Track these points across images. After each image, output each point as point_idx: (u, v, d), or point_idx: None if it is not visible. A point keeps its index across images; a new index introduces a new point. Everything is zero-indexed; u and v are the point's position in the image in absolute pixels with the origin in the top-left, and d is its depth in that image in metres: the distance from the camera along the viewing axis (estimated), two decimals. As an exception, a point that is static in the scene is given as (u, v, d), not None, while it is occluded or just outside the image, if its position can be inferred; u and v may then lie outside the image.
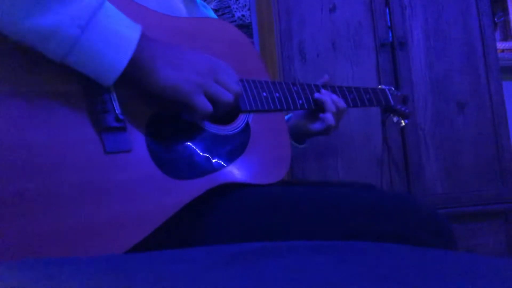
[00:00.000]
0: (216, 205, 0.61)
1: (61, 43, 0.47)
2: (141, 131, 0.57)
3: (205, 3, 0.95)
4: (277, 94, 0.77)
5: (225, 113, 0.66)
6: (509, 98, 1.76)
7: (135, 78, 0.55)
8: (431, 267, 0.27)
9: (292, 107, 0.80)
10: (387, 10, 1.58)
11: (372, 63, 1.55)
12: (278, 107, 0.77)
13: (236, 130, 0.69)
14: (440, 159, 1.55)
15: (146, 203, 0.53)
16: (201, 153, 0.62)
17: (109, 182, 0.51)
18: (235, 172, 0.64)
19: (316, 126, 0.88)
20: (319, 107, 0.86)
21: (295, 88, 0.82)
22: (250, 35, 1.86)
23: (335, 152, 1.49)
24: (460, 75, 1.60)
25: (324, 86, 0.88)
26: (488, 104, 1.60)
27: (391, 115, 1.06)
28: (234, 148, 0.67)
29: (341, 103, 0.87)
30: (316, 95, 0.85)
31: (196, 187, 0.58)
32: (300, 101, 0.82)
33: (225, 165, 0.64)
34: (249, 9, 1.89)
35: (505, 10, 2.14)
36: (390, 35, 1.57)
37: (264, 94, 0.75)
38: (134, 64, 0.53)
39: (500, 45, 2.04)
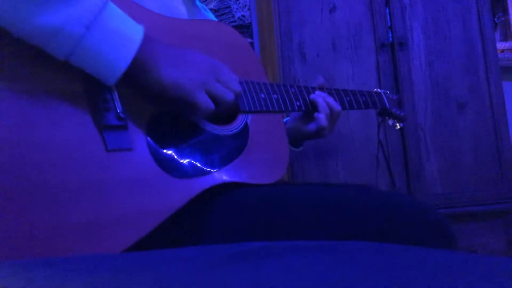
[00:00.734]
0: (216, 204, 0.61)
1: (66, 42, 0.48)
2: (142, 130, 0.57)
3: (204, 6, 0.96)
4: (275, 96, 0.78)
5: (224, 113, 0.66)
6: (509, 98, 1.76)
7: (137, 77, 0.55)
8: (431, 267, 0.27)
9: (290, 109, 0.80)
10: (387, 10, 1.58)
11: (372, 63, 1.55)
12: (276, 108, 0.77)
13: (235, 131, 0.69)
14: (440, 159, 1.55)
15: (146, 201, 0.53)
16: (201, 153, 0.62)
17: (109, 180, 0.51)
18: (234, 171, 0.65)
19: (310, 127, 0.87)
20: (314, 108, 0.86)
21: (293, 90, 0.82)
22: (250, 35, 1.86)
23: (335, 152, 1.49)
24: (460, 75, 1.60)
25: (321, 88, 0.88)
26: (488, 104, 1.60)
27: (387, 118, 1.06)
28: (233, 148, 0.67)
29: (336, 106, 0.87)
30: (311, 96, 0.85)
31: (195, 186, 0.59)
32: (298, 103, 0.82)
33: (224, 164, 0.64)
34: (249, 9, 1.89)
35: (505, 10, 2.14)
36: (390, 35, 1.57)
37: (263, 95, 0.76)
38: (137, 63, 0.53)
39: (500, 45, 2.04)
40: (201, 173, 0.60)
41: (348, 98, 0.92)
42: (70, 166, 0.49)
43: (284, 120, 0.97)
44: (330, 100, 0.86)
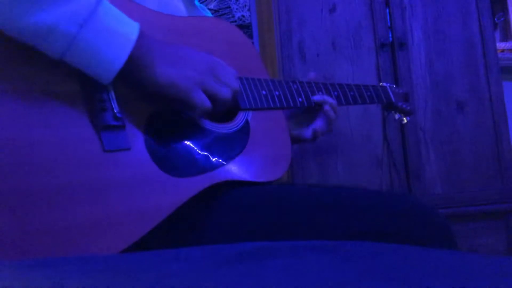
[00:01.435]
0: (216, 204, 0.61)
1: (60, 40, 0.47)
2: (140, 129, 0.57)
3: (203, 5, 0.95)
4: (277, 92, 0.77)
5: (224, 111, 0.66)
6: (509, 98, 1.76)
7: (133, 76, 0.55)
8: (431, 267, 0.27)
9: (292, 105, 0.80)
10: (387, 10, 1.58)
11: (372, 63, 1.55)
12: (278, 105, 0.76)
13: (235, 128, 0.69)
14: (440, 159, 1.55)
15: (145, 201, 0.53)
16: (200, 151, 0.62)
17: (108, 180, 0.51)
18: (235, 170, 0.64)
19: (307, 133, 0.86)
20: (318, 106, 0.85)
21: (295, 86, 0.82)
22: (250, 35, 1.86)
23: (335, 152, 1.49)
24: (460, 75, 1.60)
25: (325, 83, 0.87)
26: (488, 104, 1.60)
27: (393, 112, 1.05)
28: (233, 146, 0.66)
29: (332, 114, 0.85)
30: (317, 98, 0.84)
31: (195, 185, 0.58)
32: (300, 99, 0.81)
33: (224, 163, 0.64)
34: (249, 10, 1.89)
35: (505, 10, 2.14)
36: (390, 35, 1.57)
37: (264, 92, 0.75)
38: (132, 62, 0.53)
39: (500, 45, 2.04)
40: (200, 171, 0.60)
41: (352, 93, 0.90)
42: (67, 167, 0.49)
43: None
44: (334, 103, 0.85)
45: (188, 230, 0.60)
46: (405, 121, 1.04)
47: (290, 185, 0.75)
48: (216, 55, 0.66)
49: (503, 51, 2.05)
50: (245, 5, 1.89)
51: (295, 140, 0.87)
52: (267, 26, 1.69)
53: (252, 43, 1.74)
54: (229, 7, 1.88)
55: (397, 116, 1.05)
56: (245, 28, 1.86)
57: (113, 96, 0.54)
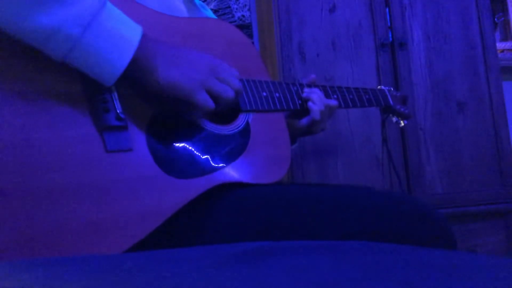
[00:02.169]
0: (216, 205, 0.61)
1: (63, 43, 0.48)
2: (142, 130, 0.57)
3: (204, 4, 0.95)
4: (277, 94, 0.77)
5: (225, 112, 0.66)
6: (509, 98, 1.76)
7: (136, 78, 0.55)
8: (431, 267, 0.27)
9: (292, 107, 0.80)
10: (387, 10, 1.58)
11: (372, 63, 1.55)
12: (278, 107, 0.77)
13: (236, 130, 0.69)
14: (440, 159, 1.55)
15: (147, 202, 0.53)
16: (202, 153, 0.62)
17: (110, 180, 0.51)
18: (235, 171, 0.64)
19: (302, 122, 0.86)
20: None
21: (295, 88, 0.82)
22: (250, 35, 1.86)
23: (335, 152, 1.49)
24: (460, 75, 1.60)
25: (324, 86, 0.88)
26: (488, 104, 1.60)
27: (391, 115, 1.06)
28: (234, 148, 0.67)
29: (331, 101, 0.86)
30: (304, 92, 0.84)
31: (196, 186, 0.58)
32: (300, 101, 0.81)
33: (225, 164, 0.64)
34: (249, 10, 1.89)
35: (505, 10, 2.14)
36: (390, 35, 1.57)
37: (264, 93, 0.75)
38: (135, 64, 0.53)
39: (500, 45, 2.04)
40: (201, 173, 0.60)
41: (351, 96, 0.91)
42: (70, 168, 0.49)
43: None
44: (323, 95, 0.85)
45: (188, 230, 0.60)
46: (403, 124, 1.05)
47: (289, 185, 0.75)
48: (217, 56, 0.66)
49: (503, 51, 2.05)
50: (245, 5, 1.89)
51: (297, 132, 0.88)
52: (267, 26, 1.69)
53: (252, 43, 1.74)
54: (229, 7, 1.88)
55: (394, 119, 1.06)
56: (245, 28, 1.86)
57: (116, 97, 0.54)
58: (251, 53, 0.80)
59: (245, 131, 0.70)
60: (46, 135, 0.48)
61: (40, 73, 0.50)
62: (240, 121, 0.71)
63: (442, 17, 1.61)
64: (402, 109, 1.03)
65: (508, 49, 2.08)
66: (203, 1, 1.86)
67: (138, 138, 0.56)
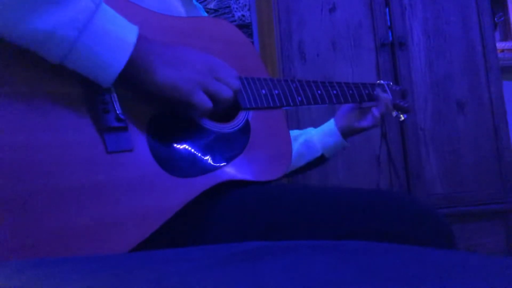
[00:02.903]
0: (216, 204, 0.61)
1: (59, 46, 0.47)
2: (143, 130, 0.57)
3: (201, 6, 0.95)
4: (276, 91, 0.77)
5: (225, 110, 0.66)
6: (509, 98, 1.76)
7: (133, 79, 0.55)
8: (430, 267, 0.27)
9: (291, 104, 0.80)
10: (387, 10, 1.59)
11: (372, 63, 1.55)
12: (278, 104, 0.77)
13: (236, 128, 0.69)
14: (440, 159, 1.55)
15: (149, 202, 0.53)
16: (202, 151, 0.62)
17: (111, 182, 0.51)
18: (236, 170, 0.64)
19: (363, 123, 0.95)
20: (367, 100, 0.93)
21: (294, 85, 0.82)
22: (250, 35, 1.86)
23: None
24: (460, 75, 1.60)
25: (323, 82, 0.88)
26: (488, 104, 1.60)
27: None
28: (234, 146, 0.67)
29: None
30: (376, 92, 0.93)
31: (197, 185, 0.58)
32: (299, 98, 0.81)
33: (226, 163, 0.64)
34: (249, 9, 1.89)
35: (505, 10, 2.14)
36: (390, 35, 1.57)
37: (264, 91, 0.75)
38: (132, 65, 0.53)
39: (500, 45, 2.04)
40: (202, 172, 0.60)
41: (351, 92, 0.91)
42: (70, 169, 0.49)
43: (333, 119, 0.99)
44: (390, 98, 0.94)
45: (189, 230, 0.60)
46: (402, 118, 1.05)
47: (289, 184, 0.75)
48: (216, 55, 0.66)
49: (503, 51, 2.05)
50: (245, 5, 1.89)
51: (354, 131, 0.97)
52: (267, 26, 1.69)
53: (252, 42, 1.74)
54: (229, 7, 1.88)
55: (394, 113, 1.06)
56: (245, 28, 1.86)
57: (116, 98, 0.54)
58: (250, 52, 0.80)
59: (245, 129, 0.70)
60: (46, 138, 0.48)
61: (38, 74, 0.50)
62: (240, 119, 0.71)
63: (442, 17, 1.62)
64: (401, 103, 1.03)
65: (508, 49, 2.08)
66: (202, 1, 1.86)
67: (138, 138, 0.56)
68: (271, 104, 0.75)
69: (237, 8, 1.88)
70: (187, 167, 0.59)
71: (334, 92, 0.88)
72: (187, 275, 0.26)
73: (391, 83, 1.04)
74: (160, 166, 0.56)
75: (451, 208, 1.51)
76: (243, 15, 1.88)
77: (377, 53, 1.55)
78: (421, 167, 1.53)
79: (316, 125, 0.99)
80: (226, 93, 0.62)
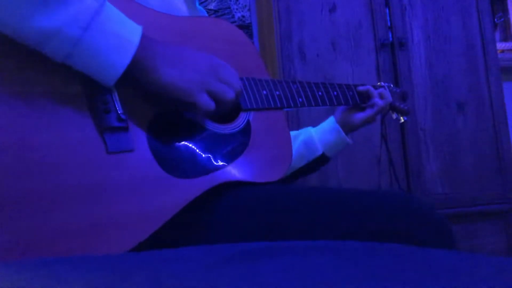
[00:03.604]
0: (216, 205, 0.61)
1: (63, 44, 0.47)
2: (143, 131, 0.57)
3: (204, 10, 0.95)
4: (278, 92, 0.77)
5: (226, 111, 0.66)
6: (509, 98, 1.76)
7: (136, 78, 0.55)
8: (430, 267, 0.27)
9: (292, 105, 0.80)
10: (387, 10, 1.59)
11: (372, 63, 1.55)
12: (279, 105, 0.77)
13: (237, 129, 0.69)
14: (440, 159, 1.55)
15: (149, 202, 0.53)
16: (203, 152, 0.62)
17: (111, 182, 0.51)
18: (237, 170, 0.64)
19: (359, 116, 0.94)
20: (362, 101, 0.93)
21: (295, 86, 0.82)
22: (250, 35, 1.86)
23: (335, 152, 1.49)
24: (460, 75, 1.60)
25: (324, 83, 0.88)
26: (488, 104, 1.60)
27: (390, 111, 1.06)
28: (235, 147, 0.67)
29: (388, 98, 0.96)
30: (359, 88, 0.93)
31: (198, 186, 0.58)
32: (300, 99, 0.82)
33: (226, 163, 0.64)
34: (249, 10, 1.89)
35: (505, 10, 2.14)
36: (390, 35, 1.57)
37: (265, 92, 0.75)
38: (135, 64, 0.53)
39: (500, 45, 2.04)
40: (203, 172, 0.60)
41: (351, 93, 0.92)
42: (71, 169, 0.49)
43: (332, 116, 0.98)
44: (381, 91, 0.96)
45: (189, 230, 0.60)
46: (402, 120, 1.05)
47: (288, 184, 0.75)
48: (217, 55, 0.66)
49: (503, 51, 2.05)
50: (245, 5, 1.89)
51: (352, 128, 0.96)
52: (267, 26, 1.69)
53: (252, 43, 1.74)
54: (229, 8, 1.88)
55: (394, 115, 1.06)
56: (245, 28, 1.86)
57: (117, 98, 0.54)
58: (251, 52, 0.80)
59: (246, 130, 0.70)
60: (47, 137, 0.48)
61: (40, 74, 0.50)
62: (241, 120, 0.71)
63: (442, 17, 1.62)
64: (402, 106, 1.03)
65: (508, 49, 2.08)
66: (203, 1, 1.86)
67: (139, 139, 0.56)
68: (272, 105, 0.75)
69: (237, 9, 1.88)
70: (188, 168, 0.59)
71: (335, 93, 0.88)
72: (187, 275, 0.26)
73: (392, 85, 1.04)
74: (161, 166, 0.56)
75: (451, 208, 1.51)
76: (243, 16, 1.88)
77: (377, 53, 1.55)
78: (421, 167, 1.53)
79: (316, 125, 0.99)
80: (229, 94, 0.62)
